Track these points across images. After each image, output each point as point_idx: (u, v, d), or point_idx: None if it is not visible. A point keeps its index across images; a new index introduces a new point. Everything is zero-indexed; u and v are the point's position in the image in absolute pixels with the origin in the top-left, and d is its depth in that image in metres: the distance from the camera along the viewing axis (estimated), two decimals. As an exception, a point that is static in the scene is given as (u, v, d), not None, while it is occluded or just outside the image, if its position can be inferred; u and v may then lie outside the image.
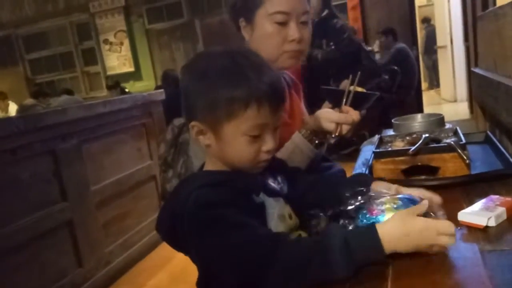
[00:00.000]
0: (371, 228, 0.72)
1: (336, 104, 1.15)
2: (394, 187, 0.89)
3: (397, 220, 0.73)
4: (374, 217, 0.79)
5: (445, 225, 0.72)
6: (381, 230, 0.71)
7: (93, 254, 2.48)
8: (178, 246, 0.88)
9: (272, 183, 0.91)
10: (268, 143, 0.84)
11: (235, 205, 0.78)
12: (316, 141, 1.12)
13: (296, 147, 1.13)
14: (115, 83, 6.49)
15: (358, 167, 1.36)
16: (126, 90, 6.28)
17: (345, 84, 1.20)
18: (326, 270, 0.69)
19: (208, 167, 0.91)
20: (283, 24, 1.17)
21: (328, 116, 1.09)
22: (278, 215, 0.86)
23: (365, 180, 0.92)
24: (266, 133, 0.83)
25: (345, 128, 1.08)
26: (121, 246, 2.74)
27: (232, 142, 0.83)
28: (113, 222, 2.71)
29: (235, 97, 0.79)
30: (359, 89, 1.16)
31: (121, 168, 2.82)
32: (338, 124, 1.08)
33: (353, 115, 1.09)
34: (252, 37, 1.21)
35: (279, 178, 0.94)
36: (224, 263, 0.76)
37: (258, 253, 0.72)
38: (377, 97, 1.18)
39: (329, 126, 1.08)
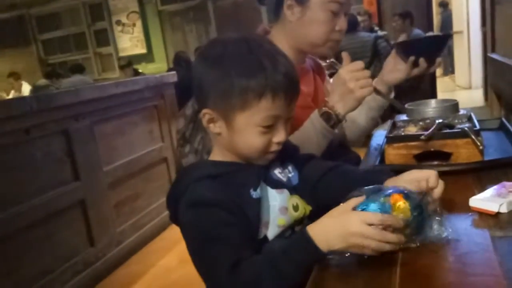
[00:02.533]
0: (303, 230, 0.73)
1: (411, 55, 1.23)
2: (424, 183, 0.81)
3: (327, 218, 0.73)
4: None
5: (372, 215, 0.69)
6: (312, 231, 0.71)
7: (104, 234, 2.52)
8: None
9: (278, 173, 0.90)
10: (280, 135, 0.83)
11: (225, 207, 0.78)
12: (333, 121, 1.11)
13: (311, 125, 1.13)
14: (128, 62, 6.48)
15: (371, 152, 1.35)
16: (140, 71, 6.26)
17: (404, 37, 1.26)
18: (280, 282, 0.71)
19: (214, 155, 0.90)
20: (335, 13, 1.19)
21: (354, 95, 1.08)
22: (280, 208, 0.85)
23: (379, 177, 0.87)
24: (278, 124, 0.83)
25: (361, 80, 1.08)
26: (132, 227, 2.78)
27: (244, 132, 0.82)
28: (125, 202, 2.74)
29: (250, 87, 0.78)
30: (433, 34, 1.20)
31: (133, 149, 2.84)
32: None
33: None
34: (300, 19, 1.21)
35: (289, 167, 0.93)
36: (195, 263, 0.79)
37: (216, 274, 0.73)
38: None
39: (346, 75, 1.08)
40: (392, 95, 1.35)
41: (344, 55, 1.14)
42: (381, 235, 0.67)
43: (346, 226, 0.69)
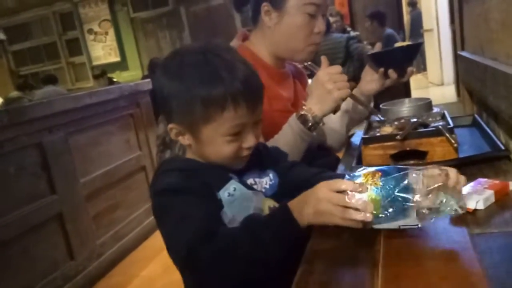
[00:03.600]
0: (283, 203, 0.76)
1: (382, 67, 1.24)
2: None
3: (304, 193, 0.75)
4: None
5: (336, 182, 0.72)
6: (291, 205, 0.74)
7: (84, 247, 2.47)
8: None
9: (251, 183, 0.89)
10: (249, 140, 0.83)
11: (192, 193, 0.78)
12: (310, 124, 1.12)
13: (289, 128, 1.14)
14: (102, 72, 6.40)
15: (348, 153, 1.36)
16: (114, 79, 6.19)
17: (377, 47, 1.27)
18: (258, 250, 0.71)
19: (188, 155, 0.91)
20: (312, 16, 1.19)
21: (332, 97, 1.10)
22: (255, 208, 0.85)
23: None
24: (245, 131, 0.83)
25: (339, 82, 1.10)
26: (112, 238, 2.73)
27: (211, 143, 0.82)
28: (104, 213, 2.70)
29: (211, 100, 0.78)
30: (404, 43, 1.21)
31: (110, 159, 2.80)
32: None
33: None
34: (278, 24, 1.21)
35: (270, 175, 0.93)
36: (171, 253, 0.78)
37: (193, 248, 0.71)
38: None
39: (323, 77, 1.11)
40: (372, 104, 1.36)
41: (323, 58, 1.15)
42: (347, 201, 0.69)
43: (315, 194, 0.72)
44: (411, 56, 1.29)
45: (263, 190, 0.90)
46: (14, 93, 6.01)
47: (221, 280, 0.73)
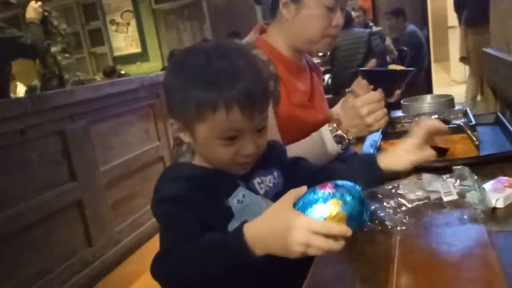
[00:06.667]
0: (239, 228, 0.67)
1: (372, 83, 1.20)
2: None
3: (268, 218, 0.67)
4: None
5: (318, 224, 0.63)
6: (249, 232, 0.66)
7: (102, 234, 2.51)
8: None
9: (258, 183, 0.87)
10: (247, 148, 0.79)
11: (186, 203, 0.77)
12: (343, 143, 1.11)
13: (323, 144, 1.12)
14: (112, 69, 6.35)
15: (366, 148, 1.35)
16: (122, 72, 6.16)
17: (372, 63, 1.24)
18: (204, 276, 0.69)
19: (196, 160, 0.90)
20: (330, 9, 1.19)
21: (366, 121, 1.07)
22: None
23: (369, 169, 0.88)
24: (243, 137, 0.79)
25: (378, 113, 1.07)
26: (129, 226, 2.77)
27: (207, 143, 0.81)
28: (122, 202, 2.74)
29: (203, 100, 0.76)
30: (398, 66, 1.18)
31: (129, 149, 2.84)
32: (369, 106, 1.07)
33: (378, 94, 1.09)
34: (296, 16, 1.21)
35: (275, 173, 0.91)
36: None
37: (156, 258, 0.74)
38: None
39: (363, 110, 1.07)
40: None
41: (363, 84, 1.14)
42: (327, 244, 0.62)
43: (290, 234, 0.63)
44: (401, 80, 1.25)
45: (267, 188, 0.88)
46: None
47: None
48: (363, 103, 1.07)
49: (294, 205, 0.67)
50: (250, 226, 0.67)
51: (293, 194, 0.68)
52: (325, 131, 1.12)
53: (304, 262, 0.71)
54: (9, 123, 2.00)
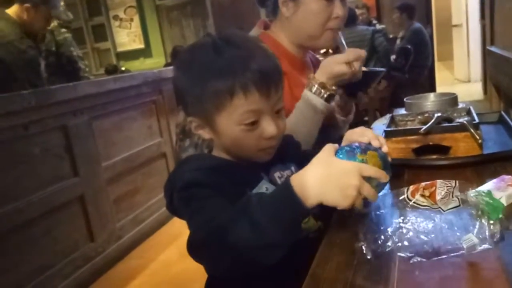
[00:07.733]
0: (285, 182, 0.69)
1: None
2: (369, 132, 0.85)
3: (318, 169, 0.69)
4: None
5: (370, 169, 0.70)
6: (300, 185, 0.67)
7: (104, 229, 2.52)
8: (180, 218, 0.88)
9: (278, 178, 0.88)
10: (268, 129, 0.80)
11: (216, 188, 0.76)
12: (325, 95, 1.12)
13: (308, 103, 1.12)
14: (113, 67, 6.36)
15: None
16: (122, 68, 6.14)
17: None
18: (255, 233, 0.65)
19: (215, 152, 0.90)
20: (329, 1, 1.18)
21: (336, 59, 1.10)
22: None
23: None
24: (263, 119, 0.80)
25: (356, 65, 1.09)
26: (131, 222, 2.78)
27: (229, 133, 0.80)
28: (124, 198, 2.74)
29: (219, 88, 0.76)
30: (364, 68, 1.16)
31: (132, 144, 2.84)
32: (348, 63, 1.09)
33: (359, 50, 1.10)
34: (295, 13, 1.22)
35: (292, 168, 0.92)
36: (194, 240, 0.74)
37: (205, 237, 0.70)
38: (389, 76, 1.20)
39: (340, 68, 1.09)
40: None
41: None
42: (370, 189, 0.69)
43: (347, 177, 0.67)
44: (366, 82, 1.20)
45: None
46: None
47: (229, 269, 0.71)
48: (338, 56, 1.11)
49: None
50: (296, 178, 0.69)
51: (331, 147, 0.74)
52: (306, 92, 1.13)
53: (304, 262, 0.71)
54: (12, 117, 2.01)
